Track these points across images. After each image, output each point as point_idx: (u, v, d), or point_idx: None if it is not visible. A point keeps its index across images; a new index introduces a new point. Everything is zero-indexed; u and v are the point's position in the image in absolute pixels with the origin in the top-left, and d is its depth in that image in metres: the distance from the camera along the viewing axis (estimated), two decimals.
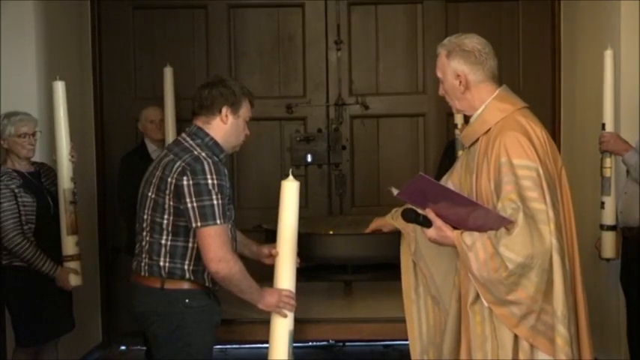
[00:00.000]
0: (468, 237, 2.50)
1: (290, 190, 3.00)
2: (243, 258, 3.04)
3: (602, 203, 3.81)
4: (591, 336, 2.66)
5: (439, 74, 2.73)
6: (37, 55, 4.53)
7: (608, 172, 3.79)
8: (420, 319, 3.01)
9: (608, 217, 3.82)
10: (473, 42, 2.68)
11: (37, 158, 4.05)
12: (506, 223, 2.44)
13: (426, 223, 2.57)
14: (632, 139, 3.94)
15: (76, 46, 5.20)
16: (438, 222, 2.55)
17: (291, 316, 3.01)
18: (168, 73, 4.66)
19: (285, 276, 3.01)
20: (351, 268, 3.90)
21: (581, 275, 2.65)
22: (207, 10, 5.53)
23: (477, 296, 2.56)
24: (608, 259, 3.92)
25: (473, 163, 2.67)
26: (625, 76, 4.29)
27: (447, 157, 4.78)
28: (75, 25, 5.21)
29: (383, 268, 3.92)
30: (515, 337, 2.51)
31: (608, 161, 3.80)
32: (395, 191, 2.63)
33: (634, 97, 3.97)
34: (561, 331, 2.45)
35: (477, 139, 2.68)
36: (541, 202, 2.47)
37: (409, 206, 2.69)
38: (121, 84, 5.52)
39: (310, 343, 5.03)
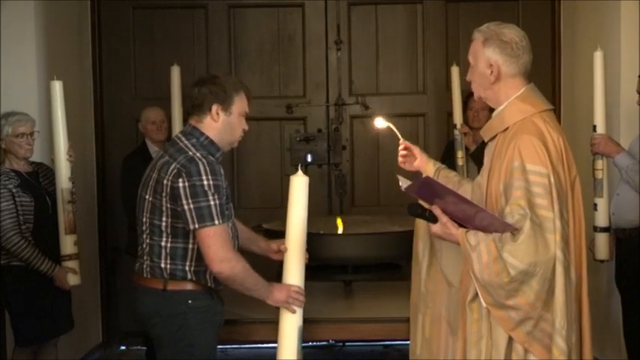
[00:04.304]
0: (473, 237, 2.47)
1: (299, 185, 2.94)
2: (248, 255, 3.02)
3: (595, 205, 3.80)
4: (593, 342, 2.64)
5: (471, 59, 2.66)
6: (37, 55, 4.52)
7: (600, 174, 3.78)
8: (423, 329, 2.97)
9: (601, 219, 3.82)
10: (512, 33, 2.60)
11: (36, 158, 4.05)
12: (511, 230, 2.42)
13: (432, 218, 2.55)
14: (631, 140, 3.95)
15: (76, 46, 5.20)
16: (443, 218, 2.52)
17: (300, 312, 2.97)
18: (175, 71, 4.61)
19: (294, 272, 2.97)
20: (351, 268, 3.90)
21: (587, 283, 2.63)
22: (207, 10, 5.53)
23: (476, 294, 2.54)
24: (601, 261, 3.91)
25: (487, 160, 2.64)
26: (625, 77, 4.28)
27: (448, 157, 4.78)
28: (75, 25, 5.21)
29: (383, 268, 3.93)
30: (510, 338, 2.49)
31: (600, 163, 3.79)
32: (404, 182, 2.60)
33: (633, 98, 3.96)
34: (558, 342, 2.44)
35: (495, 136, 2.64)
36: (549, 210, 2.44)
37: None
38: (121, 84, 5.51)
39: (310, 343, 5.04)
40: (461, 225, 2.54)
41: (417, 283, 2.98)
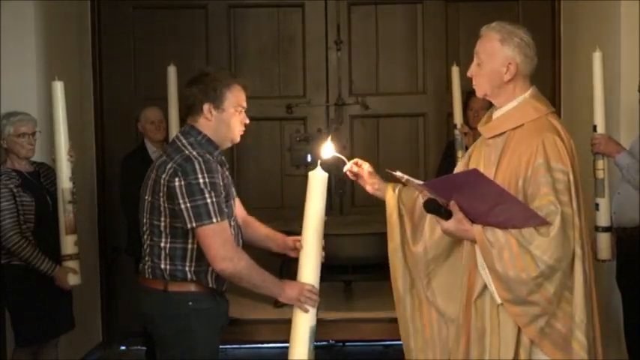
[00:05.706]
0: (490, 233, 2.47)
1: (316, 181, 2.88)
2: (254, 251, 3.00)
3: (597, 205, 3.81)
4: (604, 341, 2.65)
5: (482, 56, 2.64)
6: (37, 55, 4.53)
7: (600, 174, 3.79)
8: (413, 319, 2.97)
9: (603, 219, 3.82)
10: (527, 35, 2.62)
11: (37, 158, 4.05)
12: (538, 224, 2.42)
13: (446, 214, 2.53)
14: (631, 140, 3.95)
15: (76, 46, 5.20)
16: (459, 215, 2.50)
17: (313, 311, 2.91)
18: (171, 71, 4.62)
19: (309, 270, 2.91)
20: (351, 268, 3.90)
21: (594, 282, 2.62)
22: (207, 10, 5.53)
23: (482, 291, 2.55)
24: (603, 261, 3.92)
25: (494, 156, 2.63)
26: (625, 77, 4.29)
27: (448, 157, 4.78)
28: (75, 25, 5.22)
29: (383, 268, 3.91)
30: (518, 334, 2.49)
31: (601, 163, 3.80)
32: (404, 176, 2.59)
33: (633, 98, 3.97)
34: (579, 337, 2.45)
35: (502, 133, 2.63)
36: (569, 208, 2.46)
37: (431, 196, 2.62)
38: (121, 84, 5.52)
39: None
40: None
41: (404, 319, 2.97)
